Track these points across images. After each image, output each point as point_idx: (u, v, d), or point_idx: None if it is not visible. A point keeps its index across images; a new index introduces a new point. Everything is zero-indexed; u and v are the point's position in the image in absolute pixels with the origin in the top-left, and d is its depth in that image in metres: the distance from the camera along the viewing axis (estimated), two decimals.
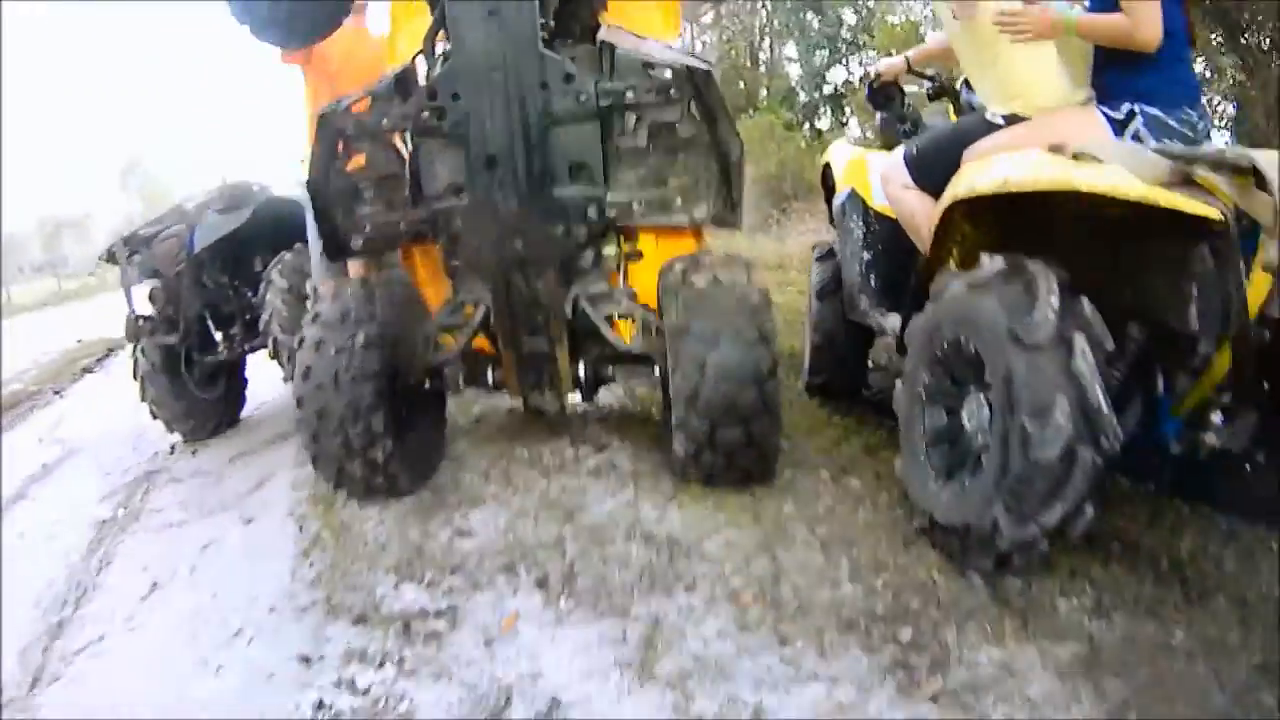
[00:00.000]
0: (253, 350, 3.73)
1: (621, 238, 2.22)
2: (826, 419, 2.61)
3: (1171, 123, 1.81)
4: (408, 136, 2.10)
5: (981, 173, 1.67)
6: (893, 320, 2.18)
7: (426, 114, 1.99)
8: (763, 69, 11.68)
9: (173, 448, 3.58)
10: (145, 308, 3.48)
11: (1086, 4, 1.96)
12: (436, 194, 2.08)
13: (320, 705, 1.45)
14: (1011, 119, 1.96)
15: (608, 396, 2.92)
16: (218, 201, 3.53)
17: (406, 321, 2.24)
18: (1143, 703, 1.28)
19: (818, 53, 10.62)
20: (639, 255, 2.28)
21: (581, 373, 2.40)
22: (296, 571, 2.02)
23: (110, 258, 3.64)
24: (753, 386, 1.95)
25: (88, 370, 6.49)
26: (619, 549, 1.75)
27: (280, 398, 4.08)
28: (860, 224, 2.49)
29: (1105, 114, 1.84)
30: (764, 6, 12.18)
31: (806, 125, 10.28)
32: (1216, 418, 1.73)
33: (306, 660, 1.60)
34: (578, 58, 2.06)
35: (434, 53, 2.07)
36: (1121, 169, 1.37)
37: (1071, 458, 1.35)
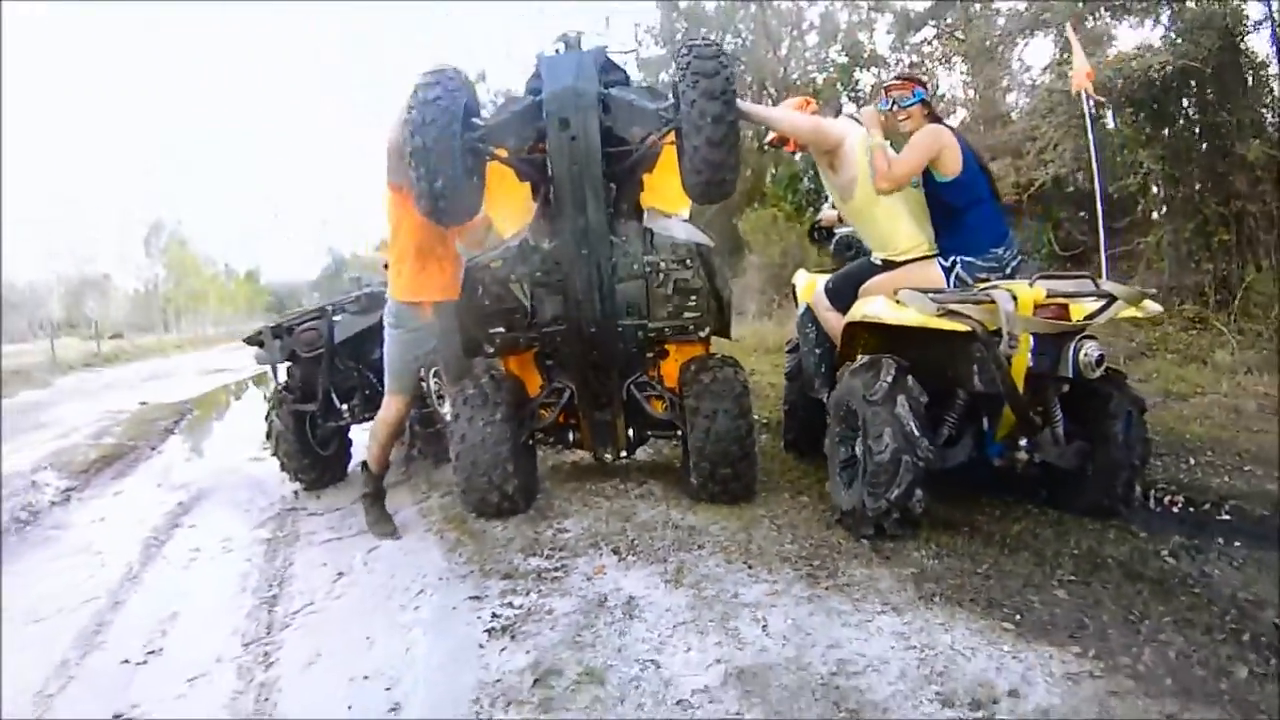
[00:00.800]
0: (369, 419, 4.48)
1: (657, 347, 3.46)
2: (794, 464, 3.80)
3: (980, 262, 2.89)
4: (526, 285, 3.28)
5: (859, 308, 2.92)
6: (826, 395, 3.36)
7: (540, 273, 3.27)
8: (767, 151, 12.97)
9: (295, 493, 4.39)
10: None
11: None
12: (543, 321, 3.29)
13: (495, 615, 2.52)
14: (886, 262, 3.09)
15: (641, 454, 4.11)
16: (354, 305, 4.38)
17: (518, 401, 3.43)
18: (944, 593, 2.36)
19: None
20: (667, 355, 3.53)
21: (630, 434, 3.61)
22: (450, 558, 3.06)
23: (254, 341, 4.48)
24: (737, 444, 3.16)
25: (169, 431, 7.52)
26: (659, 533, 2.94)
27: None
28: (812, 329, 3.56)
29: (940, 264, 2.95)
30: (768, 97, 13.93)
31: (810, 209, 11.22)
32: (1023, 442, 2.87)
33: (477, 598, 2.65)
34: (629, 236, 3.27)
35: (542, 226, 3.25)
36: (911, 309, 2.59)
37: (898, 462, 2.53)
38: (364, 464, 3.60)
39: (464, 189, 2.91)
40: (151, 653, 2.60)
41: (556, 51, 3.21)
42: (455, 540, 3.27)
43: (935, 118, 3.03)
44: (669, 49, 14.29)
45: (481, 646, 2.32)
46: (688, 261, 3.22)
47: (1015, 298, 2.48)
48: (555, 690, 2.00)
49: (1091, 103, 3.42)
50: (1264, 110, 6.81)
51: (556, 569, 2.75)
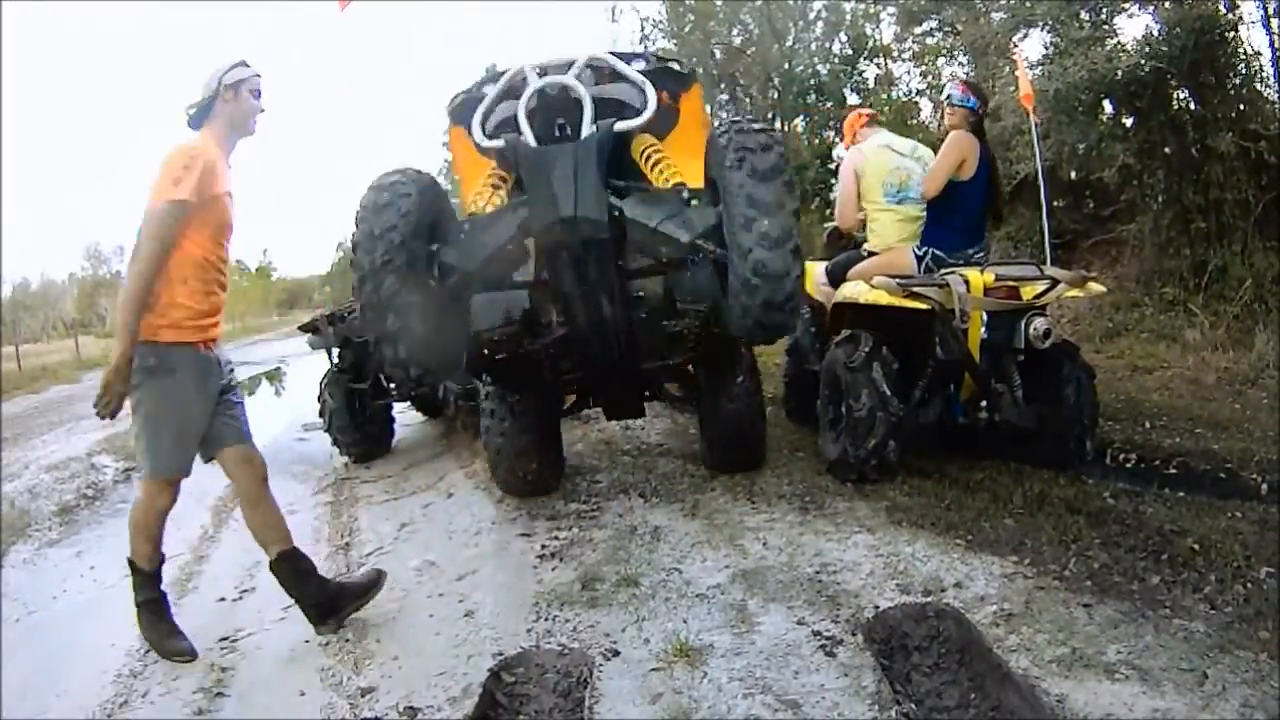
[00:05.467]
0: (415, 398, 5.19)
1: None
2: (794, 429, 4.34)
3: (948, 259, 3.42)
4: None
5: (841, 291, 3.45)
6: (818, 365, 3.89)
7: None
8: None
9: (346, 464, 4.80)
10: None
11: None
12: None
13: (544, 546, 3.06)
14: (871, 252, 3.67)
15: (659, 422, 4.67)
16: None
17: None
18: (911, 520, 2.89)
19: (823, 132, 12.38)
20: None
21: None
22: (499, 508, 3.58)
23: (309, 328, 4.95)
24: (747, 419, 3.57)
25: None
26: (678, 481, 3.52)
27: (411, 434, 5.62)
28: (807, 309, 4.13)
29: (914, 253, 3.50)
30: (774, 89, 14.35)
31: (816, 199, 11.56)
32: (984, 404, 3.39)
33: (527, 535, 3.19)
34: None
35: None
36: (880, 289, 3.11)
37: (874, 417, 3.06)
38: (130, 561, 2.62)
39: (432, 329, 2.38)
40: (245, 591, 3.04)
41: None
42: (501, 495, 3.79)
43: (978, 129, 3.50)
44: (676, 42, 14.70)
45: (535, 567, 2.87)
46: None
47: (967, 281, 3.01)
48: (600, 591, 2.55)
49: (1036, 119, 3.97)
50: (1241, 105, 7.15)
51: (593, 510, 3.31)
